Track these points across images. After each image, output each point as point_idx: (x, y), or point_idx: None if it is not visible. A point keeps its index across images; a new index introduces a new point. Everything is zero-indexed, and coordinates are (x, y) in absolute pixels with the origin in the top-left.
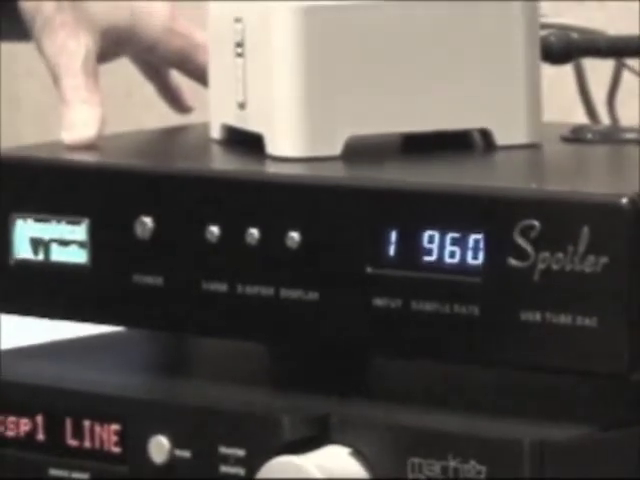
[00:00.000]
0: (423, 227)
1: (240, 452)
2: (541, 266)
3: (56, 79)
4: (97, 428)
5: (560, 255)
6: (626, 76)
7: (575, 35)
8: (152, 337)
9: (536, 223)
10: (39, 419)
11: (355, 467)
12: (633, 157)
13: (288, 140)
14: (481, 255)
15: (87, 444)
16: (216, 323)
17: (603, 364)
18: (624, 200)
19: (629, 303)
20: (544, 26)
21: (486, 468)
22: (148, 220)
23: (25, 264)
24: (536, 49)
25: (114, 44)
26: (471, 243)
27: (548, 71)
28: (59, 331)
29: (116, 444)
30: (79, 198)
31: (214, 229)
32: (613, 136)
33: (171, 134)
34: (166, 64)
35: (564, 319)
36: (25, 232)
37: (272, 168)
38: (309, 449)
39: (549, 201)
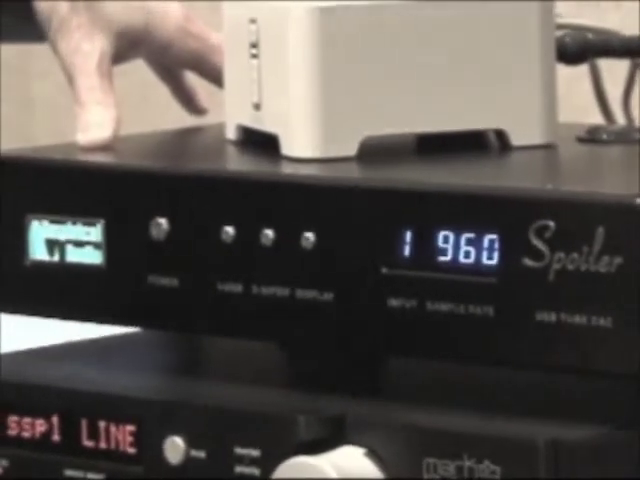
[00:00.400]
0: (438, 227)
1: (255, 452)
2: (556, 266)
3: (71, 80)
4: (112, 429)
5: (575, 255)
6: None
7: (590, 35)
8: (167, 338)
9: (551, 223)
10: (54, 420)
11: (370, 467)
12: None
13: (303, 141)
14: (496, 255)
15: (102, 445)
16: (231, 324)
17: (618, 364)
18: (639, 200)
19: None
20: (559, 27)
21: (501, 468)
22: (163, 221)
23: (40, 265)
24: (552, 49)
25: (129, 45)
26: (486, 243)
27: (564, 71)
28: (74, 332)
29: (131, 445)
30: (94, 199)
31: (229, 230)
32: (628, 136)
33: (186, 135)
34: (181, 65)
35: (579, 319)
36: (40, 233)
37: (287, 169)
38: (324, 449)
39: (564, 201)
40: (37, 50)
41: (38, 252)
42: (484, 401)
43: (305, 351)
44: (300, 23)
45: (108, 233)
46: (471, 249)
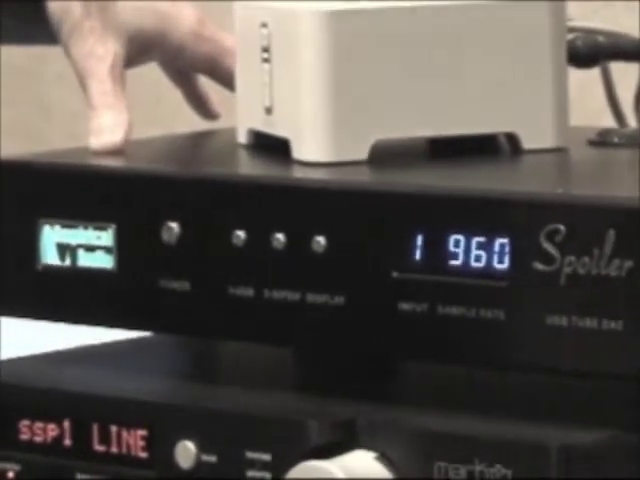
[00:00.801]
0: (449, 231)
1: (266, 457)
2: (567, 270)
3: (84, 84)
4: (124, 433)
5: (586, 259)
6: None
7: (601, 38)
8: (178, 342)
9: (562, 227)
10: (66, 424)
11: (381, 471)
12: None
13: (315, 145)
14: (507, 259)
15: (114, 449)
16: (242, 328)
17: (629, 367)
18: None
19: None
20: (570, 30)
21: (512, 472)
22: (174, 225)
23: (52, 270)
24: (563, 53)
25: (142, 49)
26: (497, 247)
27: (576, 75)
28: (85, 337)
29: (143, 449)
30: (106, 203)
31: (240, 234)
32: None
33: (198, 139)
34: (194, 69)
35: (590, 323)
36: (52, 238)
37: (298, 173)
38: (336, 454)
39: (575, 205)
40: (53, 54)
41: (50, 257)
42: (495, 405)
43: (316, 355)
44: (311, 27)
45: (119, 237)
46: (482, 253)
